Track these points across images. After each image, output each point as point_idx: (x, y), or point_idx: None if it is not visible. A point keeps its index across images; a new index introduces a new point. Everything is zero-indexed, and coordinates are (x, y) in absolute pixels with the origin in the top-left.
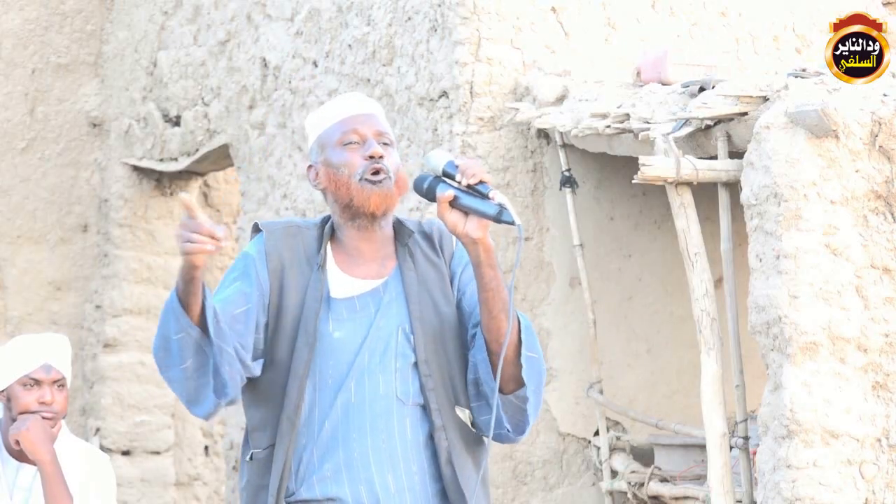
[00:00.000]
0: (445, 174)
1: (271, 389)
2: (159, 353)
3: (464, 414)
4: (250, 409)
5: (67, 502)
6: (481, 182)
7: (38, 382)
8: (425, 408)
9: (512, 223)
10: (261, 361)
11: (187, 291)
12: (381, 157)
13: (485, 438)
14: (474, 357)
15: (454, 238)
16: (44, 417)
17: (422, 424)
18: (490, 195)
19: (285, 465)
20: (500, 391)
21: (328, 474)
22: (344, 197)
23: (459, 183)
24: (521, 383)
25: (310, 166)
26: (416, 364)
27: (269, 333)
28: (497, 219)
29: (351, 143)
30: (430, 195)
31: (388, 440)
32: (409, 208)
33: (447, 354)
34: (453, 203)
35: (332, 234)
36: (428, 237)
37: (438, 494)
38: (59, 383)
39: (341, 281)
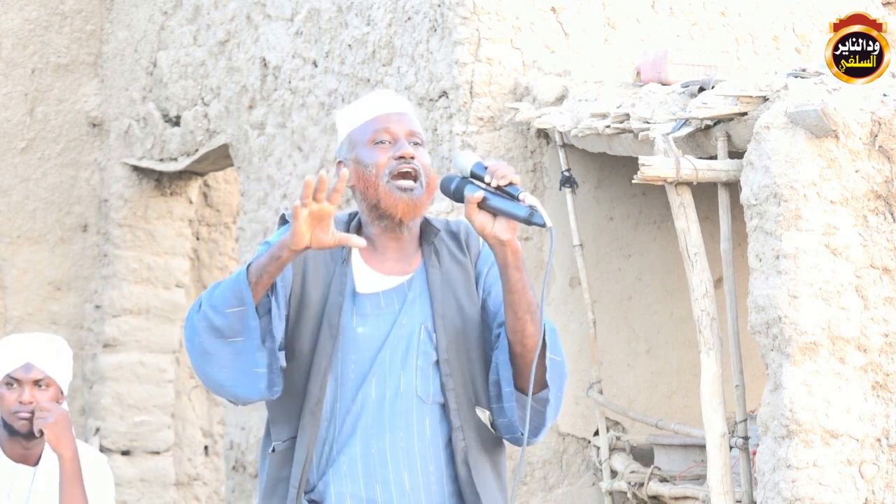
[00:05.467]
0: (474, 175)
1: (293, 382)
2: (203, 332)
3: (483, 415)
4: (272, 401)
5: (82, 501)
6: (511, 184)
7: (18, 381)
8: (445, 407)
9: (543, 225)
10: (283, 353)
11: (268, 272)
12: (411, 157)
13: (504, 440)
14: (497, 358)
15: (480, 237)
16: (20, 418)
17: (441, 424)
18: (521, 197)
19: (307, 458)
20: (522, 393)
21: (344, 469)
22: (372, 197)
23: (488, 184)
24: (543, 386)
25: (339, 162)
26: (437, 363)
27: (291, 325)
28: (528, 221)
29: (382, 141)
30: (457, 196)
31: (406, 438)
32: (440, 211)
33: (469, 354)
34: (482, 204)
35: (359, 229)
36: (455, 236)
37: (455, 494)
38: (42, 383)
39: (367, 276)
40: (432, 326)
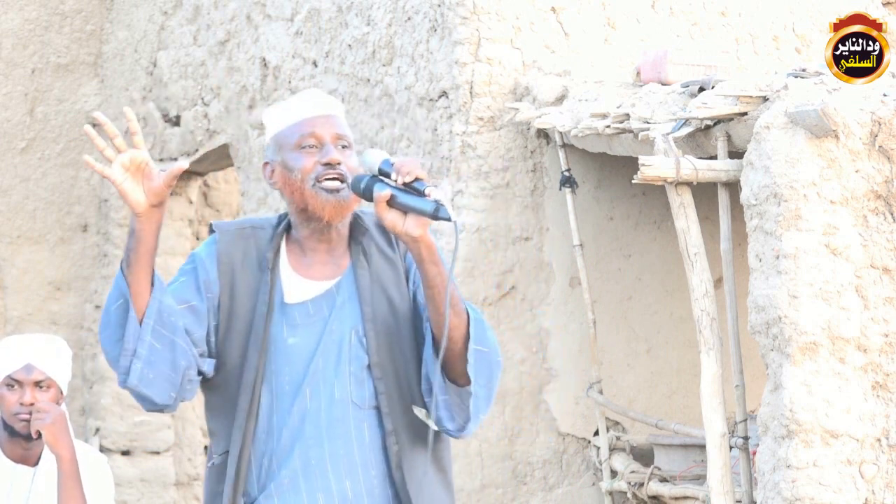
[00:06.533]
0: (382, 173)
1: (225, 395)
2: (101, 329)
3: (421, 413)
4: (208, 414)
5: (80, 501)
6: (417, 179)
7: (19, 383)
8: (379, 410)
9: (448, 220)
10: (212, 362)
11: (135, 252)
12: (338, 163)
13: (447, 437)
14: (425, 353)
15: None
16: (21, 419)
17: (379, 428)
18: (426, 192)
19: (238, 473)
20: (456, 384)
21: (286, 482)
22: (298, 201)
23: (396, 181)
24: (468, 378)
25: (266, 163)
26: (370, 366)
27: (221, 336)
28: (434, 216)
29: (308, 146)
30: (367, 195)
31: (345, 446)
32: None
33: (403, 354)
34: (391, 202)
35: (288, 234)
36: (384, 231)
37: (398, 496)
38: (43, 384)
39: (295, 284)
40: (362, 330)
